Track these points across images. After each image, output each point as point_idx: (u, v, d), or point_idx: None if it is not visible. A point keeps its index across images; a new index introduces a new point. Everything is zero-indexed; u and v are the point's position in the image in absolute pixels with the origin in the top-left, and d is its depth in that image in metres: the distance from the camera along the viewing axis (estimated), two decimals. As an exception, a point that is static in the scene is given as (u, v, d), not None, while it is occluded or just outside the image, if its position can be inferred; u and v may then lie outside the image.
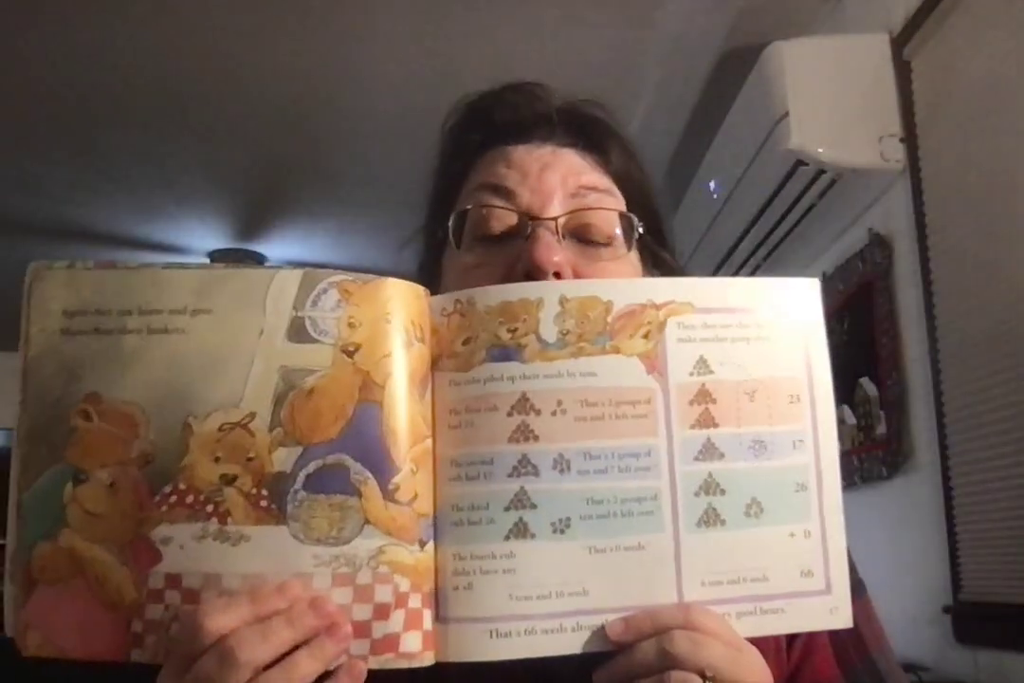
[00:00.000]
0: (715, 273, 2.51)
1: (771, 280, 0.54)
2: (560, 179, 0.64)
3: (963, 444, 1.58)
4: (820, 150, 1.76)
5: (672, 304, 0.50)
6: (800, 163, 1.80)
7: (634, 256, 0.66)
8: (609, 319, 0.50)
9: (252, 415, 0.46)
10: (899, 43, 1.76)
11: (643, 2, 2.04)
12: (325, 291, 0.48)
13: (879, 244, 1.91)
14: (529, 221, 0.62)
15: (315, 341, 0.47)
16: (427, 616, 0.47)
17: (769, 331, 0.52)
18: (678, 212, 2.64)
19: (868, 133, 1.77)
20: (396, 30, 2.12)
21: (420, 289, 0.50)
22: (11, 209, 3.22)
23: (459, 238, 0.65)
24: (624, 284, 0.52)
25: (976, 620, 1.58)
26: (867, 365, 1.93)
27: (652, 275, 0.70)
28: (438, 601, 0.47)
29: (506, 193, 0.64)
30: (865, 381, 1.94)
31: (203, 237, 3.57)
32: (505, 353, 0.49)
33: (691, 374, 0.50)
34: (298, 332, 0.47)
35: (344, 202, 3.09)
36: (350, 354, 0.47)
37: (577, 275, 0.61)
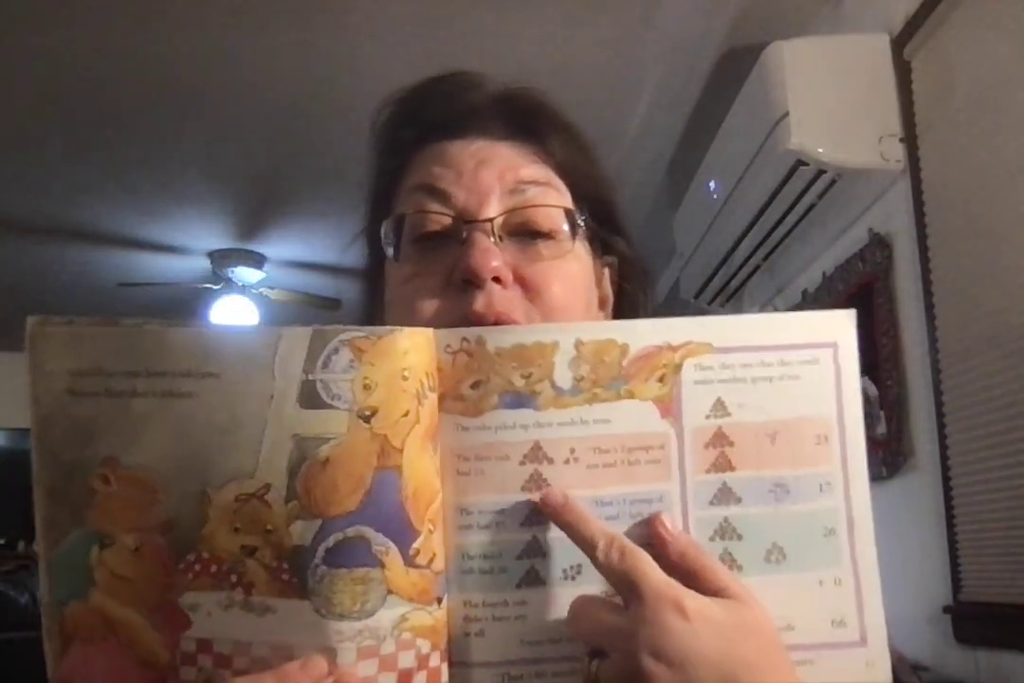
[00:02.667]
0: (715, 273, 2.52)
1: (801, 314, 0.51)
2: (497, 175, 0.61)
3: (963, 444, 1.58)
4: (820, 150, 1.76)
5: (689, 345, 0.48)
6: (800, 163, 1.80)
7: (580, 249, 0.63)
8: (624, 362, 0.48)
9: (267, 486, 0.44)
10: (899, 43, 1.77)
11: (643, 2, 2.05)
12: (336, 351, 0.45)
13: (879, 244, 1.91)
14: (464, 224, 0.59)
15: (328, 406, 0.44)
16: (444, 670, 0.47)
17: (797, 369, 0.49)
18: (678, 212, 2.64)
19: (868, 133, 1.78)
20: (397, 30, 2.13)
21: (430, 333, 0.47)
22: (11, 209, 3.22)
23: (397, 244, 0.62)
24: (642, 325, 0.49)
25: (976, 620, 1.58)
26: (867, 365, 1.92)
27: (604, 264, 0.68)
28: (450, 647, 0.47)
29: (440, 194, 0.61)
30: (865, 381, 1.94)
31: (203, 237, 3.58)
32: (518, 400, 0.47)
33: (708, 417, 0.48)
34: (310, 397, 0.44)
35: (344, 202, 3.08)
36: (367, 419, 0.44)
37: (518, 277, 0.59)
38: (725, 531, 0.48)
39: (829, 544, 0.49)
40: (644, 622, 0.42)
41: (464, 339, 0.48)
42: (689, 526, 0.48)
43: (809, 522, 0.49)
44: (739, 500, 0.48)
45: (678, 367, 0.48)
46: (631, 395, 0.48)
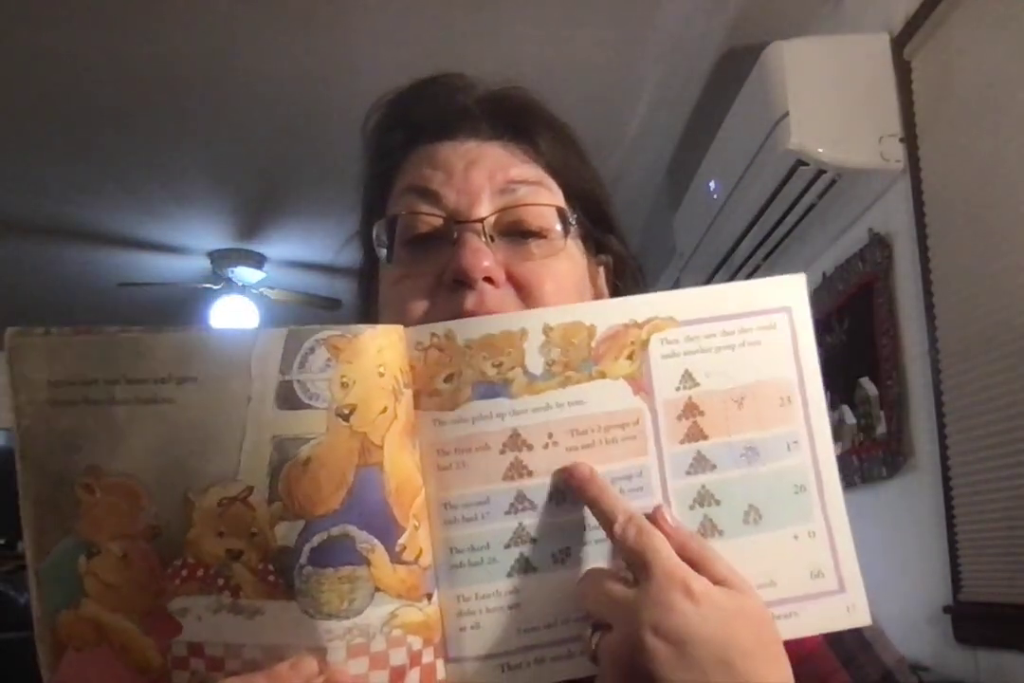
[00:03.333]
0: (715, 273, 2.52)
1: (754, 281, 0.52)
2: (487, 175, 0.61)
3: (963, 444, 1.58)
4: (820, 150, 1.76)
5: (654, 320, 0.50)
6: (800, 163, 1.80)
7: (573, 248, 0.63)
8: (593, 344, 0.49)
9: (250, 489, 0.44)
10: (899, 43, 1.77)
11: (643, 2, 2.04)
12: (312, 350, 0.44)
13: (879, 244, 1.91)
14: (455, 225, 0.60)
15: (307, 406, 0.44)
16: (439, 665, 0.47)
17: (756, 335, 0.51)
18: (678, 212, 2.64)
19: (868, 133, 1.78)
20: (396, 30, 2.13)
21: (400, 330, 0.48)
22: (11, 209, 3.22)
23: (390, 245, 0.62)
24: (605, 306, 0.51)
25: (976, 620, 1.58)
26: (867, 365, 1.93)
27: (598, 262, 0.68)
28: (446, 643, 0.47)
29: (431, 195, 0.61)
30: (865, 381, 1.94)
31: (203, 237, 3.58)
32: (492, 390, 0.48)
33: (677, 389, 0.50)
34: (287, 398, 0.44)
35: (344, 202, 3.08)
36: (345, 417, 0.44)
37: (511, 276, 0.59)
38: (704, 498, 0.50)
39: (801, 500, 0.51)
40: (651, 599, 0.43)
41: (433, 334, 0.48)
42: (669, 497, 0.49)
43: (780, 481, 0.51)
44: (714, 467, 0.50)
45: (645, 343, 0.50)
46: (603, 375, 0.49)
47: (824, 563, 0.50)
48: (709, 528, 0.49)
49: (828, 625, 0.50)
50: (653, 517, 0.48)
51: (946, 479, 1.63)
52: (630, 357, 0.49)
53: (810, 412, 0.51)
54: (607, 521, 0.47)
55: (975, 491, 1.55)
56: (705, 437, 0.50)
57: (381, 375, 0.46)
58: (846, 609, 0.50)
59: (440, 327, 0.49)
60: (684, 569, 0.45)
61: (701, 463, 0.50)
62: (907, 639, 1.69)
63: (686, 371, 0.50)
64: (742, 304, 0.51)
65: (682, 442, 0.50)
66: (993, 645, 1.53)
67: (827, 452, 0.51)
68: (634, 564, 0.45)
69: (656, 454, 0.49)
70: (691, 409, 0.50)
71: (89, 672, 0.45)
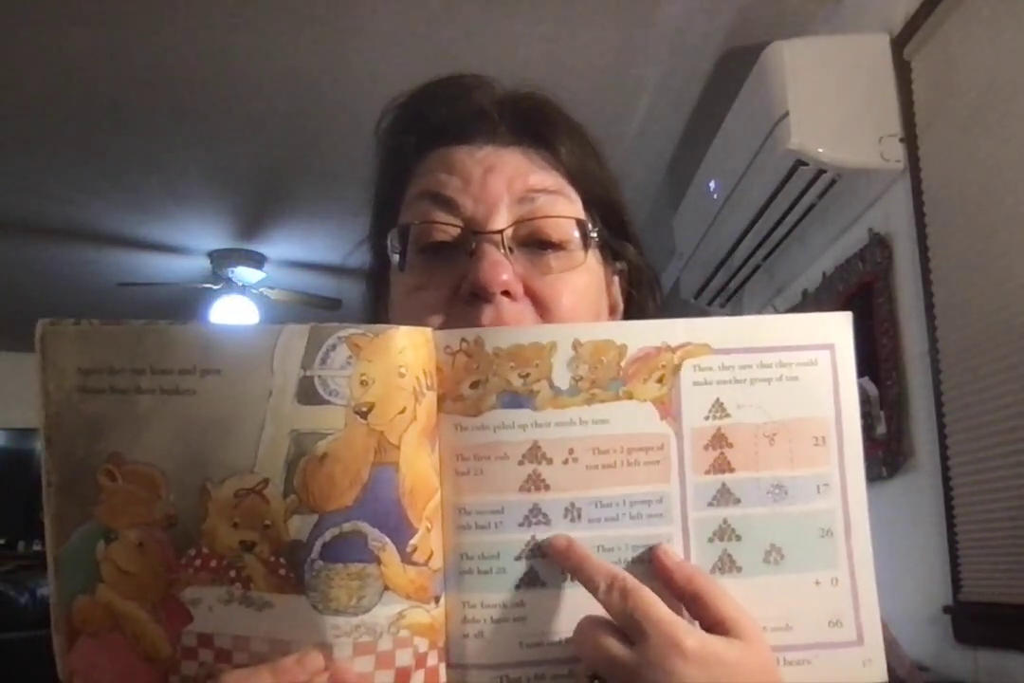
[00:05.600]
0: (715, 273, 2.52)
1: (798, 316, 0.51)
2: (506, 183, 0.60)
3: (963, 444, 1.58)
4: (820, 150, 1.76)
5: (688, 346, 0.49)
6: (800, 163, 1.80)
7: (592, 259, 0.62)
8: (623, 363, 0.48)
9: (266, 481, 0.45)
10: (899, 43, 1.77)
11: (643, 2, 2.05)
12: (334, 347, 0.45)
13: (879, 244, 1.91)
14: (472, 235, 0.58)
15: (326, 402, 0.45)
16: (442, 669, 0.47)
17: (796, 370, 0.50)
18: (678, 212, 2.64)
19: (868, 133, 1.78)
20: (396, 30, 2.13)
21: (428, 332, 0.48)
22: (11, 209, 3.22)
23: (403, 252, 0.61)
24: (639, 327, 0.50)
25: (976, 620, 1.58)
26: (867, 365, 1.93)
27: (613, 270, 0.67)
28: (448, 647, 0.47)
29: (447, 202, 0.59)
30: (865, 381, 1.94)
31: (203, 237, 3.58)
32: (516, 400, 0.48)
33: (707, 418, 0.49)
34: (307, 393, 0.45)
35: (344, 202, 3.09)
36: (363, 415, 0.45)
37: (528, 289, 0.58)
38: (724, 532, 0.49)
39: (826, 545, 0.50)
40: (648, 663, 0.43)
41: (463, 340, 0.48)
42: (689, 527, 0.48)
43: (807, 523, 0.49)
44: (738, 501, 0.49)
45: (677, 368, 0.49)
46: (630, 396, 0.48)
47: (844, 613, 0.49)
48: (727, 563, 0.48)
49: (840, 677, 0.49)
50: (654, 554, 0.47)
51: (946, 479, 1.63)
52: (660, 380, 0.49)
53: (845, 455, 0.50)
54: (592, 588, 0.46)
55: (975, 491, 1.55)
56: (732, 470, 0.49)
57: (402, 375, 0.46)
58: (862, 663, 0.49)
59: (471, 333, 0.48)
60: (677, 626, 0.44)
61: (725, 496, 0.49)
62: (907, 639, 1.69)
63: (717, 400, 0.49)
64: (783, 337, 0.50)
65: (707, 473, 0.49)
66: (993, 645, 1.53)
67: (859, 498, 0.51)
68: (626, 626, 0.44)
69: (679, 482, 0.48)
70: (719, 440, 0.49)
71: (100, 659, 0.46)
